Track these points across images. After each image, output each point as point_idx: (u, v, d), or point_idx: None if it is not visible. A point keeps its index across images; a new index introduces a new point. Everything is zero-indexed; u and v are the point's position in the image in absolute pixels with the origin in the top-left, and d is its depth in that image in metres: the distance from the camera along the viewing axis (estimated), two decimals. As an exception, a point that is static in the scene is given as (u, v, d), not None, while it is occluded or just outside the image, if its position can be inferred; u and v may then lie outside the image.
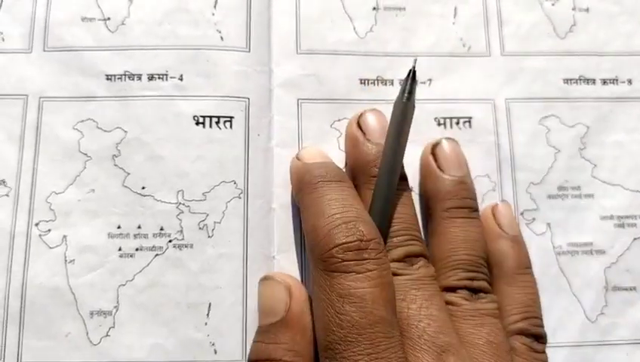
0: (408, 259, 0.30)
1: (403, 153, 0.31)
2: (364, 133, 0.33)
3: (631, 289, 0.34)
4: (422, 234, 0.32)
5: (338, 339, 0.26)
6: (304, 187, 0.31)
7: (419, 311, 0.28)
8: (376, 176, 0.31)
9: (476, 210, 0.33)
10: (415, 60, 0.31)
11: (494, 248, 0.32)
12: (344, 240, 0.28)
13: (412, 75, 0.31)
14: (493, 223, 0.33)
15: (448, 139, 0.34)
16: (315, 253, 0.28)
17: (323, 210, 0.29)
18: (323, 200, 0.30)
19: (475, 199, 0.33)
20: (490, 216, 0.33)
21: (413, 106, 0.31)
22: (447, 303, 0.30)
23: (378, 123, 0.33)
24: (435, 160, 0.33)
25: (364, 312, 0.26)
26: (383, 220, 0.30)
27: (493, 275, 0.32)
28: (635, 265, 0.35)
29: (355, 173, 0.33)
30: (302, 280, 0.33)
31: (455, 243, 0.31)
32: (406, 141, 0.31)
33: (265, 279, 0.32)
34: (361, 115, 0.33)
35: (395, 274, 0.29)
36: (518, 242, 0.33)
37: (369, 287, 0.27)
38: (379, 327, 0.26)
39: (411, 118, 0.31)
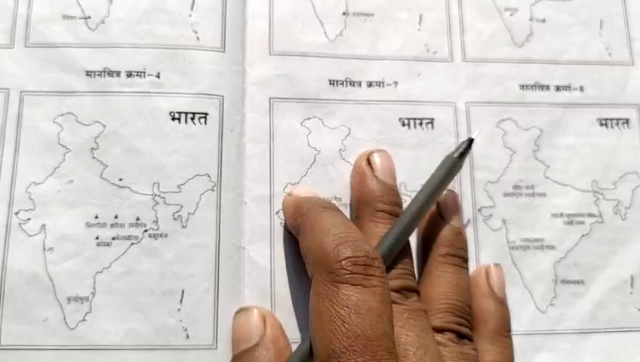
0: (404, 291, 0.31)
1: (434, 203, 0.34)
2: (372, 170, 0.34)
3: (578, 283, 0.36)
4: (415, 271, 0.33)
5: (343, 348, 0.26)
6: (305, 212, 0.32)
7: (417, 339, 0.29)
8: (397, 213, 0.33)
9: (467, 261, 0.34)
10: (478, 133, 0.36)
11: (481, 305, 0.34)
12: (352, 254, 0.28)
13: (470, 143, 0.34)
14: (484, 281, 0.34)
15: (450, 190, 0.36)
16: (321, 265, 0.28)
17: (329, 229, 0.29)
18: (327, 222, 0.30)
19: (467, 251, 0.35)
20: (483, 275, 0.35)
21: (461, 166, 0.34)
22: None
23: (386, 163, 0.35)
24: (438, 206, 0.35)
25: (370, 325, 0.26)
26: (390, 255, 0.31)
27: (476, 331, 0.33)
28: (582, 260, 0.36)
29: (360, 205, 0.34)
30: (270, 272, 0.34)
31: (448, 287, 0.33)
32: (441, 194, 0.34)
33: (240, 310, 0.33)
34: (370, 154, 0.35)
35: (392, 303, 0.29)
36: (504, 305, 0.34)
37: (375, 302, 0.27)
38: (383, 342, 0.26)
39: (454, 175, 0.34)
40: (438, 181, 0.33)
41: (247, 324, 0.32)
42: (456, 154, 0.34)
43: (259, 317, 0.32)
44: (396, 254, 0.32)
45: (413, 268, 0.33)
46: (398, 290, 0.31)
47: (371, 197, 0.34)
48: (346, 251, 0.28)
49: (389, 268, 0.31)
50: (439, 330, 0.31)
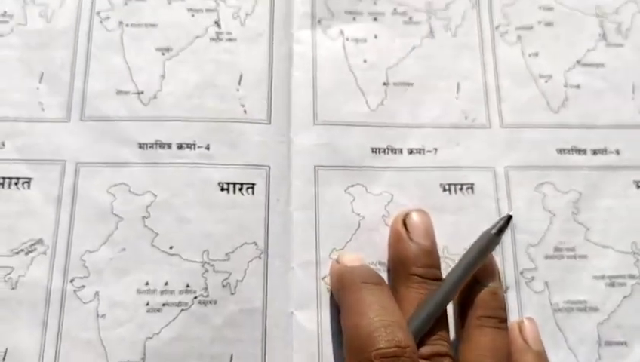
0: (434, 357, 0.32)
1: (470, 275, 0.34)
2: (407, 231, 0.35)
3: (622, 344, 0.36)
4: (449, 336, 0.34)
5: None
6: (346, 287, 0.33)
7: None
8: (437, 281, 0.34)
9: (505, 320, 0.34)
10: (512, 212, 0.36)
11: (519, 361, 0.33)
12: (383, 346, 0.29)
13: (508, 220, 0.34)
14: (519, 337, 0.34)
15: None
16: (355, 353, 0.30)
17: (365, 311, 0.31)
18: (365, 301, 0.31)
19: (505, 310, 0.34)
20: (517, 330, 0.34)
21: (498, 242, 0.34)
22: None
23: (422, 223, 0.35)
24: None
25: None
26: (425, 325, 0.32)
27: None
28: (625, 321, 0.37)
29: (395, 268, 0.35)
30: (317, 336, 0.35)
31: (482, 350, 0.33)
32: (478, 266, 0.34)
33: None
34: (407, 214, 0.36)
35: None
36: (542, 357, 0.34)
37: None
38: None
39: (492, 250, 0.34)
40: (474, 255, 0.34)
41: None
42: (494, 231, 0.34)
43: None
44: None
45: (448, 333, 0.33)
46: (428, 357, 0.32)
47: (405, 260, 0.34)
48: (378, 341, 0.29)
49: (423, 334, 0.32)
50: None
